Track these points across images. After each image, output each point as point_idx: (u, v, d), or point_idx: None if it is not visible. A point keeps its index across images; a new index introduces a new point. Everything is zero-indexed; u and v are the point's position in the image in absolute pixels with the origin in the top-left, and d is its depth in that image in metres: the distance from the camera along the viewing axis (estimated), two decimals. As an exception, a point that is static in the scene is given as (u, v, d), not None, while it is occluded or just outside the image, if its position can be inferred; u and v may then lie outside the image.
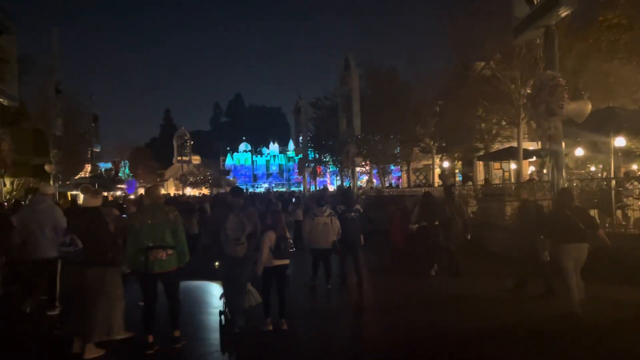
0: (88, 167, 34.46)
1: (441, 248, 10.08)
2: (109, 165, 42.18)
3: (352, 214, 9.53)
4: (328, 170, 43.95)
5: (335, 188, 39.05)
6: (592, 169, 25.61)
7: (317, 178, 40.13)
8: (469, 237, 10.21)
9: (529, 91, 15.14)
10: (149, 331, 5.77)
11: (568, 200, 7.14)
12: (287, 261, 6.60)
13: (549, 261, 7.34)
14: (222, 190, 44.15)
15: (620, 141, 13.13)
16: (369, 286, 9.40)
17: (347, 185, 33.16)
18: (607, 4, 14.11)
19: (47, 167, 21.91)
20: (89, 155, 32.58)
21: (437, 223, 10.09)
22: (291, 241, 6.45)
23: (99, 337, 5.76)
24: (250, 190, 48.89)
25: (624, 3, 13.55)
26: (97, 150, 32.76)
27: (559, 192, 7.83)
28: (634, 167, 21.13)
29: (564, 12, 8.97)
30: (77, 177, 31.39)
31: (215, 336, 6.45)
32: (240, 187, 12.80)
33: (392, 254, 11.87)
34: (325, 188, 31.22)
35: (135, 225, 5.81)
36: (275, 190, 54.78)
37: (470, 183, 24.84)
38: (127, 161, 54.94)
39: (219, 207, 7.49)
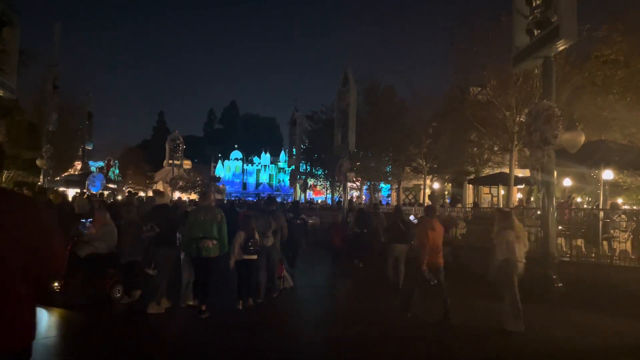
0: (78, 165, 34.16)
1: (368, 248, 13.47)
2: (101, 163, 41.87)
3: (299, 220, 11.75)
4: (318, 184, 43.84)
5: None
6: (579, 199, 26.00)
7: (308, 191, 40.05)
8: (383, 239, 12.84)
9: (523, 119, 15.44)
10: (203, 301, 7.46)
11: (400, 215, 10.64)
12: (255, 256, 8.02)
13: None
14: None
15: (608, 174, 13.40)
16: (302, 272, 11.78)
17: (338, 200, 33.20)
18: (605, 40, 14.45)
19: (38, 162, 21.71)
20: (80, 153, 32.24)
21: (365, 230, 13.51)
22: (256, 240, 7.93)
23: (161, 299, 7.55)
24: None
25: (621, 40, 13.89)
26: (89, 148, 32.41)
27: (394, 209, 10.90)
28: (619, 200, 21.51)
29: (563, 45, 9.24)
30: (66, 174, 31.08)
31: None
32: (274, 195, 15.11)
33: (332, 252, 14.45)
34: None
35: (191, 219, 7.56)
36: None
37: (459, 205, 25.07)
38: (117, 161, 54.51)
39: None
